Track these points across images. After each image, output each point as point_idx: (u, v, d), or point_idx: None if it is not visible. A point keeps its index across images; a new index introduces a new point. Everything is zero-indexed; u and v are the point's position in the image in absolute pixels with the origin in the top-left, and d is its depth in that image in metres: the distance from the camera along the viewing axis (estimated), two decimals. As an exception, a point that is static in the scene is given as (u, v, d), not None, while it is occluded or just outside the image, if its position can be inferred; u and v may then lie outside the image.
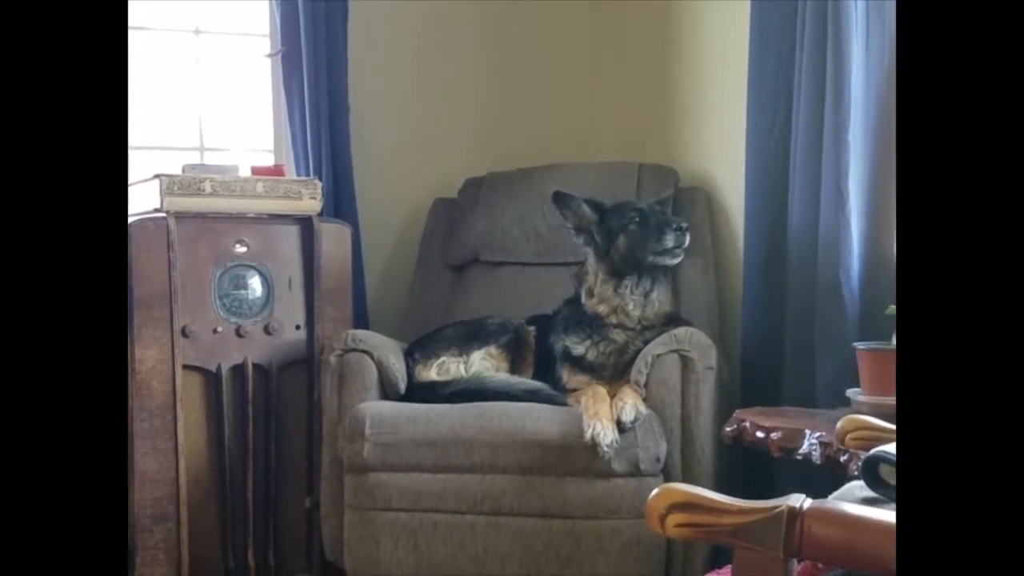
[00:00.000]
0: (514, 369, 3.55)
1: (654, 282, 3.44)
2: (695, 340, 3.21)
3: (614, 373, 3.34)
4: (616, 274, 3.44)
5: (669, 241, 3.37)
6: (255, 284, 3.51)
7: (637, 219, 3.44)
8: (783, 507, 1.18)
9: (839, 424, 1.91)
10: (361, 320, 3.89)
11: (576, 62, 4.43)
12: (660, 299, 3.44)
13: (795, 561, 1.22)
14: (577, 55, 4.43)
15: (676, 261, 3.43)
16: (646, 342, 3.32)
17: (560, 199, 3.52)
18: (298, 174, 3.91)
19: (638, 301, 3.42)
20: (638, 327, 3.40)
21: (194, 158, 3.98)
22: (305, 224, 3.58)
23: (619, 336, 3.40)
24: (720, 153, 3.90)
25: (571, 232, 3.53)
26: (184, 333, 3.37)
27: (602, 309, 3.44)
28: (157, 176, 3.37)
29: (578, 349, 3.42)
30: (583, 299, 3.49)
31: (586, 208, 3.49)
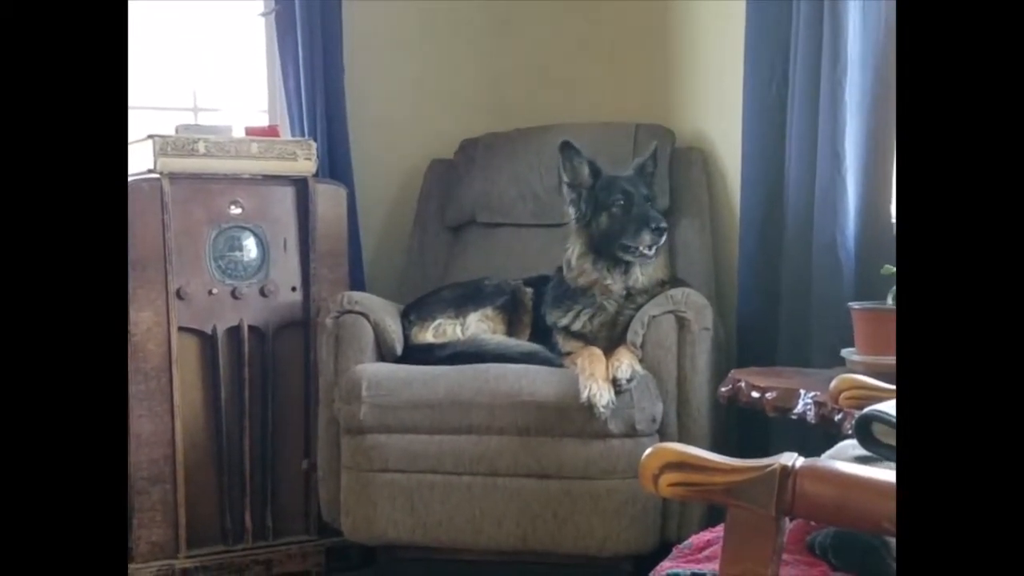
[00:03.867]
0: (511, 331, 3.54)
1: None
2: (691, 301, 3.20)
3: (609, 341, 3.33)
4: (593, 250, 3.40)
5: (646, 238, 3.30)
6: (250, 246, 3.50)
7: (622, 202, 3.37)
8: (775, 465, 1.18)
9: (833, 383, 1.91)
10: (357, 282, 3.88)
11: (573, 22, 4.41)
12: (646, 271, 3.39)
13: (787, 519, 1.22)
14: (575, 15, 4.40)
15: (647, 260, 3.36)
16: (638, 307, 3.31)
17: (567, 149, 3.45)
18: (293, 135, 3.89)
19: (617, 278, 3.38)
20: (627, 295, 3.38)
21: (187, 118, 3.96)
22: (300, 185, 3.56)
23: (610, 305, 3.38)
24: (717, 114, 3.89)
25: (564, 186, 3.47)
26: (179, 295, 3.37)
27: (582, 282, 3.41)
28: (150, 137, 3.35)
29: (567, 321, 3.41)
30: (564, 270, 3.47)
31: (586, 168, 3.44)
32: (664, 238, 3.34)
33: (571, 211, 3.46)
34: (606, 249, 3.37)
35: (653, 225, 3.30)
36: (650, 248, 3.32)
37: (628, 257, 3.34)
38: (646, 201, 3.39)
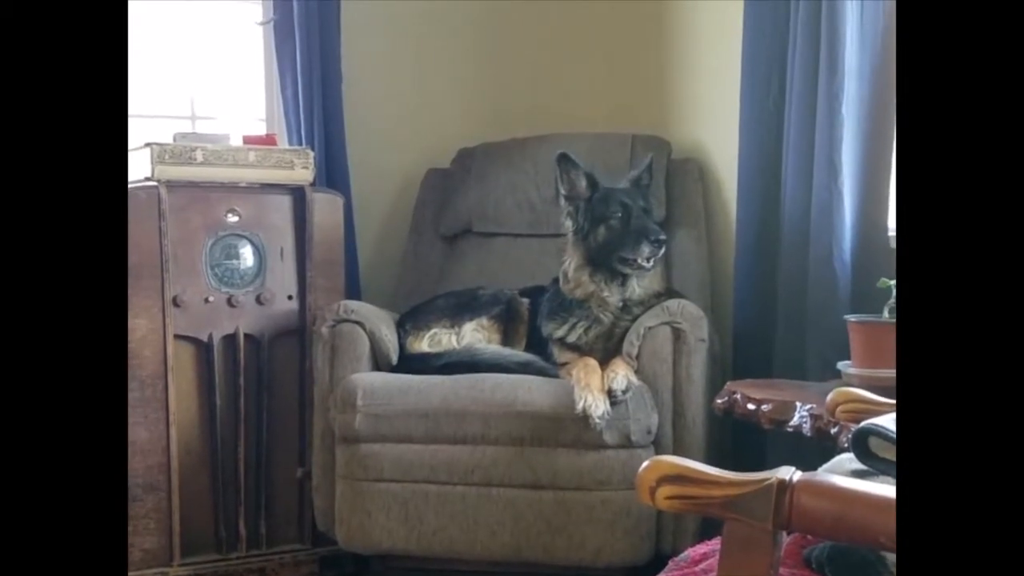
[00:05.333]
0: (506, 341, 3.54)
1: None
2: (687, 312, 3.21)
3: (604, 352, 3.32)
4: (591, 262, 3.40)
5: (644, 251, 3.30)
6: (247, 254, 3.50)
7: (620, 215, 3.37)
8: (773, 479, 1.18)
9: (829, 396, 1.91)
10: (353, 290, 3.88)
11: (570, 32, 4.41)
12: (643, 283, 3.39)
13: (784, 533, 1.22)
14: (571, 25, 4.41)
15: (645, 272, 3.36)
16: (634, 319, 3.31)
17: (564, 161, 3.44)
18: (290, 143, 3.89)
19: (614, 290, 3.37)
20: (623, 307, 3.37)
21: (185, 127, 3.96)
22: (297, 194, 3.56)
23: (606, 317, 3.37)
24: (713, 125, 3.90)
25: (561, 198, 3.47)
26: (175, 303, 3.37)
27: (579, 294, 3.40)
28: (148, 145, 3.35)
29: (563, 332, 3.40)
30: (561, 282, 3.46)
31: (583, 180, 3.44)
32: (663, 250, 3.35)
33: (568, 223, 3.45)
34: (604, 261, 3.37)
35: (652, 238, 3.31)
36: (649, 260, 3.32)
37: (626, 270, 3.34)
38: (644, 213, 3.39)
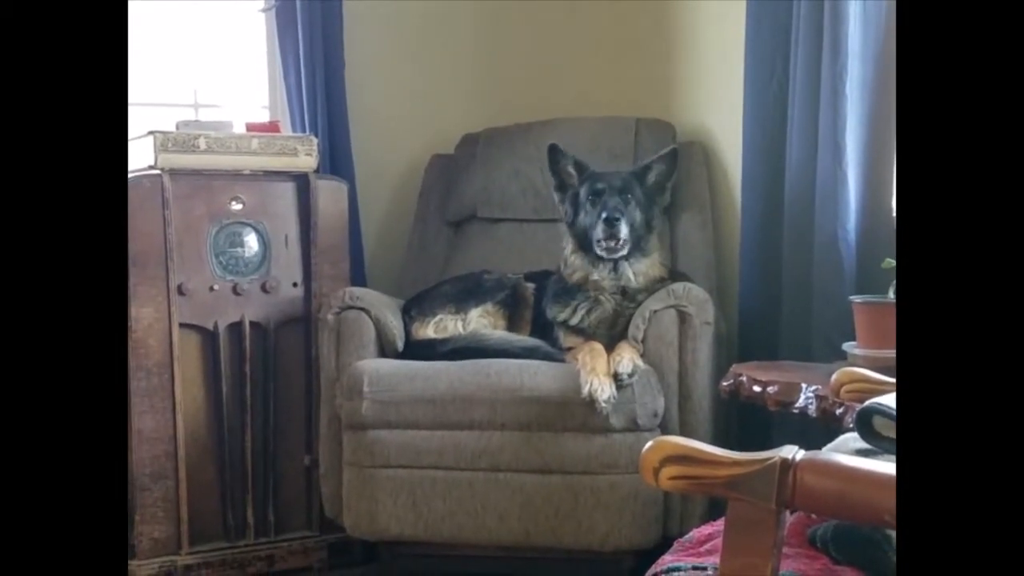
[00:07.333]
0: (512, 326, 3.54)
1: (626, 256, 3.38)
2: (692, 295, 3.20)
3: (610, 337, 3.32)
4: (580, 247, 3.41)
5: (599, 232, 3.31)
6: (251, 242, 3.50)
7: (592, 199, 3.37)
8: (776, 458, 1.18)
9: (834, 377, 1.91)
10: (358, 277, 3.88)
11: (573, 16, 4.40)
12: (640, 270, 3.38)
13: (788, 512, 1.22)
14: (574, 9, 4.40)
15: (617, 255, 3.34)
16: (639, 304, 3.30)
17: (553, 152, 3.48)
18: (294, 130, 3.89)
19: (606, 274, 3.37)
20: (624, 294, 3.36)
21: (188, 114, 3.96)
22: (301, 181, 3.56)
23: (607, 300, 3.37)
24: (718, 107, 3.88)
25: (554, 190, 3.51)
26: (180, 291, 3.36)
27: (576, 279, 3.41)
28: (151, 133, 3.35)
29: (567, 315, 3.40)
30: (561, 268, 3.47)
31: (571, 168, 3.46)
32: (620, 228, 3.31)
33: (561, 211, 3.49)
34: (588, 246, 3.38)
35: (605, 215, 3.30)
36: (614, 241, 3.31)
37: (603, 253, 3.34)
38: (617, 195, 3.37)
